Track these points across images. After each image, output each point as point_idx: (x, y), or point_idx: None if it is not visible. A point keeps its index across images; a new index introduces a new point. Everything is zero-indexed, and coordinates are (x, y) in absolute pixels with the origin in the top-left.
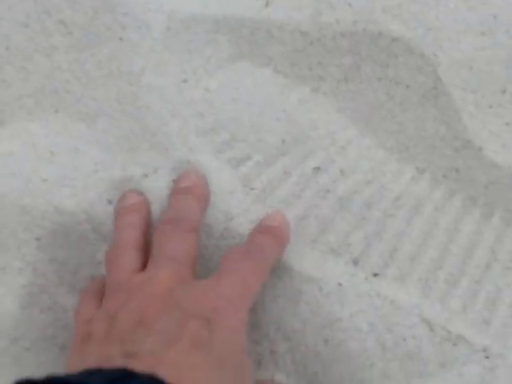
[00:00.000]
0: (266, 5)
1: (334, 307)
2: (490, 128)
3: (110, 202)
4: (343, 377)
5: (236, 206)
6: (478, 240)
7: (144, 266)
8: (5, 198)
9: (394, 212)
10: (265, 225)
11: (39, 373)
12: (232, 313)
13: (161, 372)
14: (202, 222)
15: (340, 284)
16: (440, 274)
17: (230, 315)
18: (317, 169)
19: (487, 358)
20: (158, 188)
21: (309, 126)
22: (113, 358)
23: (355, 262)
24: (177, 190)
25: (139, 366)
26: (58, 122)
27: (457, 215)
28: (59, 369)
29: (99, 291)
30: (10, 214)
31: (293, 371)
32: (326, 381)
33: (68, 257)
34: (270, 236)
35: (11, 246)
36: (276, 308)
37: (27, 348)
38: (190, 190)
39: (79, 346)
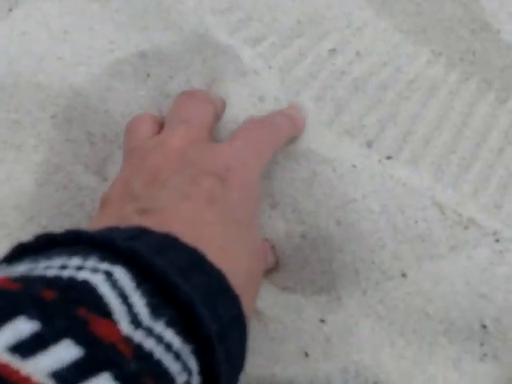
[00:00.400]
0: None
1: (348, 188)
2: (508, 10)
3: (124, 80)
4: (355, 258)
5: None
6: (492, 124)
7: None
8: (19, 76)
9: (409, 94)
10: (281, 110)
11: None
12: (244, 173)
13: (176, 228)
14: (222, 113)
15: (354, 165)
16: (453, 157)
17: (242, 175)
18: (332, 50)
19: (497, 241)
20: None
21: (324, 6)
22: (128, 216)
23: (369, 144)
24: None
25: (154, 222)
26: (71, 1)
27: (472, 99)
28: None
29: None
30: (25, 93)
31: (307, 253)
32: (339, 262)
33: (83, 136)
34: (286, 116)
35: (26, 124)
36: (292, 190)
37: (44, 226)
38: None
39: (99, 211)
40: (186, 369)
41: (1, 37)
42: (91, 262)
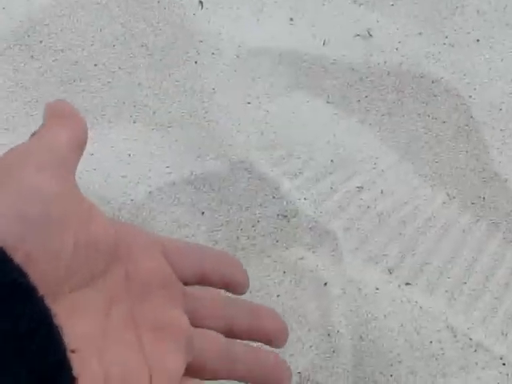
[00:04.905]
0: (324, 44)
1: (371, 307)
2: None
3: (179, 200)
4: (374, 371)
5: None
6: (499, 261)
7: None
8: (87, 189)
9: (426, 230)
10: None
11: None
12: None
13: None
14: None
15: (377, 288)
16: (464, 288)
17: None
18: (360, 188)
19: (504, 364)
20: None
21: (355, 149)
22: None
23: (390, 271)
24: None
25: None
26: (135, 130)
27: (482, 238)
28: None
29: None
30: None
31: (330, 366)
32: (359, 373)
33: None
34: None
35: None
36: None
37: None
38: None
39: None
40: None
41: None
42: None
